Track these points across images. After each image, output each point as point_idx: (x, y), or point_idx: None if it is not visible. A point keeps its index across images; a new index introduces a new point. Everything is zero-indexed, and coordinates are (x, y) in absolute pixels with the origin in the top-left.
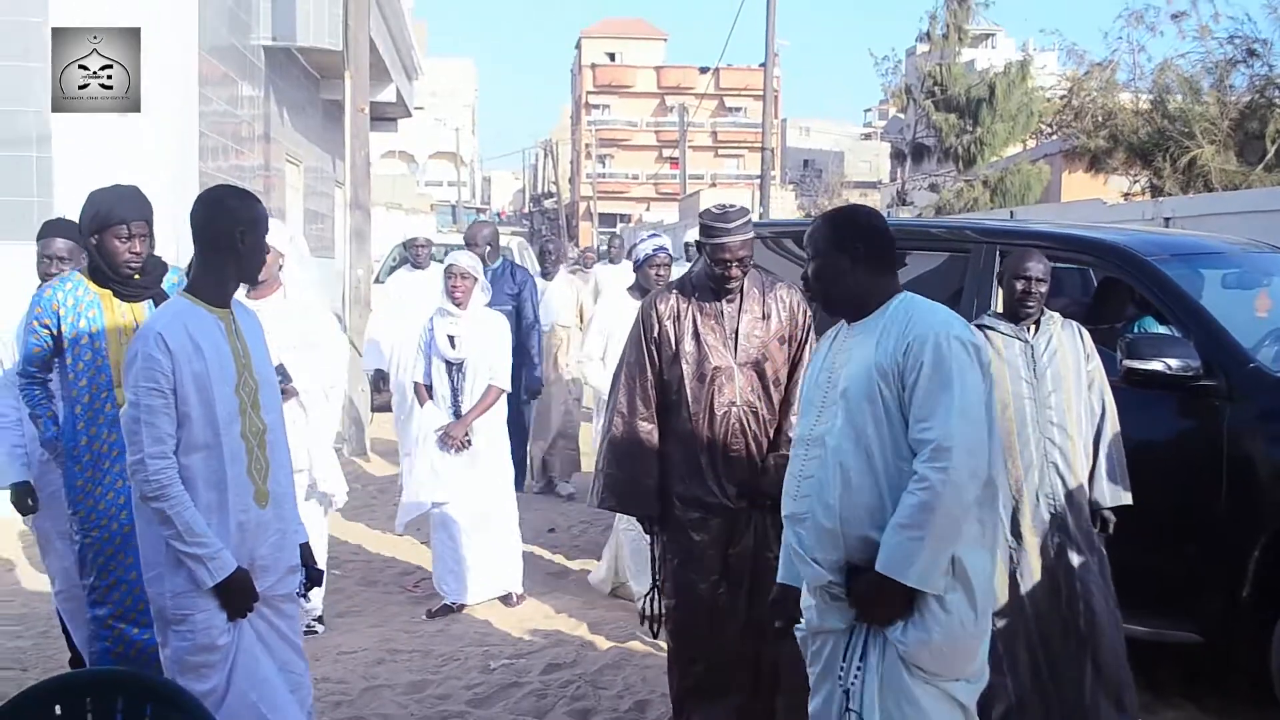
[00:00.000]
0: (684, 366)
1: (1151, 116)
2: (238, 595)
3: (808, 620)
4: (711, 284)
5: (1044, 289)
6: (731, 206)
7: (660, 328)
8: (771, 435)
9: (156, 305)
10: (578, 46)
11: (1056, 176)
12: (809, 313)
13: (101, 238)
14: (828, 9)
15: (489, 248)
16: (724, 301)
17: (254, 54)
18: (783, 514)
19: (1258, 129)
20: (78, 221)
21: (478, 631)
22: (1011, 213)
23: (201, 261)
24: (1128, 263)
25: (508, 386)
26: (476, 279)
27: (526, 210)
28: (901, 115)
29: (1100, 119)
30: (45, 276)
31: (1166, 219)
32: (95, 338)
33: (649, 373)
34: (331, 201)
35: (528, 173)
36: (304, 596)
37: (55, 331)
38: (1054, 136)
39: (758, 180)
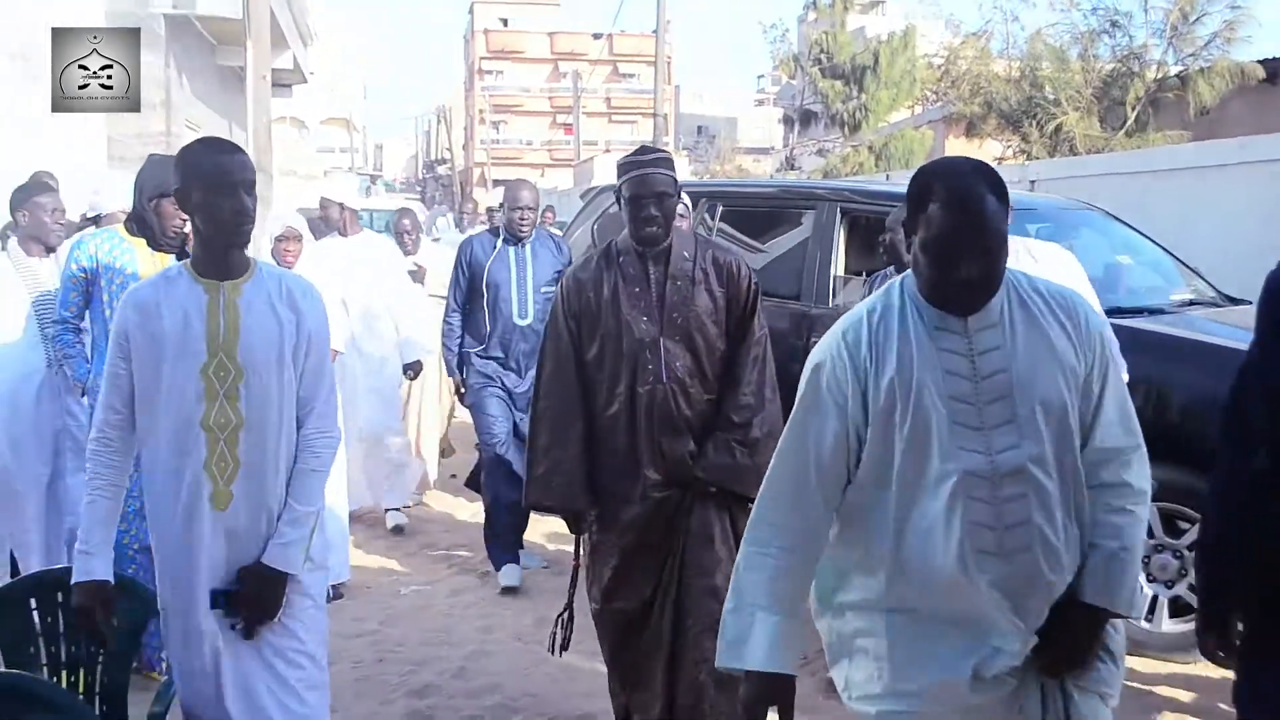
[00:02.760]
0: (605, 341)
1: (1021, 84)
2: (79, 611)
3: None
4: (636, 245)
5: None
6: (649, 145)
7: (579, 300)
8: (707, 415)
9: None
10: (470, 12)
11: (940, 142)
12: (754, 279)
13: (160, 203)
14: None
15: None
16: (649, 264)
17: (155, 21)
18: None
19: (1119, 96)
20: (137, 180)
21: (384, 565)
22: (887, 175)
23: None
24: None
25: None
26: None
27: (420, 177)
28: (793, 81)
29: (975, 87)
30: (53, 234)
31: (1033, 181)
32: (130, 279)
33: (570, 352)
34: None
35: (421, 139)
36: (223, 610)
37: (91, 277)
38: (936, 104)
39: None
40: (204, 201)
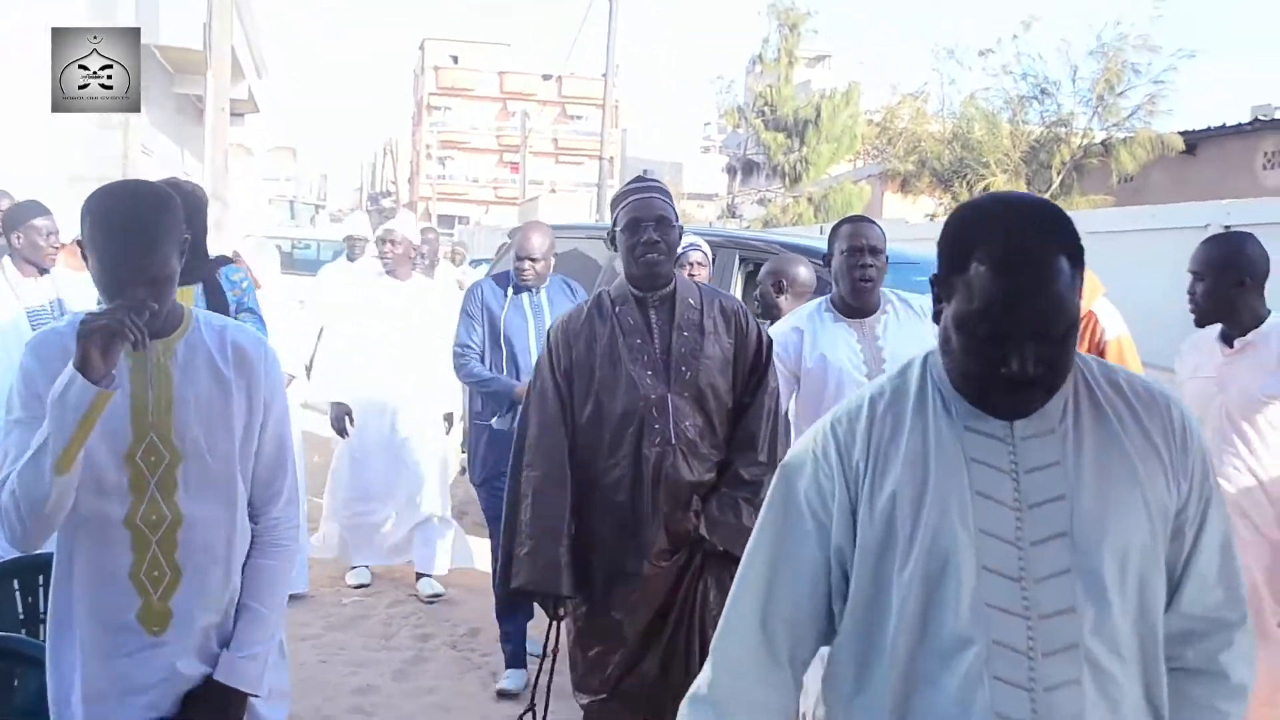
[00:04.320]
0: (602, 400)
1: (953, 145)
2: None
3: None
4: (635, 289)
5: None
6: (646, 176)
7: (569, 356)
8: (716, 475)
9: (207, 292)
10: (421, 48)
11: (879, 196)
12: (764, 333)
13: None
14: (672, 23)
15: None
16: (651, 312)
17: None
18: None
19: (1046, 161)
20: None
21: (330, 575)
22: (821, 228)
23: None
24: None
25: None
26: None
27: (365, 209)
28: (739, 130)
29: (911, 146)
30: (47, 257)
31: None
32: None
33: (558, 414)
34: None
35: (366, 171)
36: None
37: None
38: (875, 160)
39: (596, 187)
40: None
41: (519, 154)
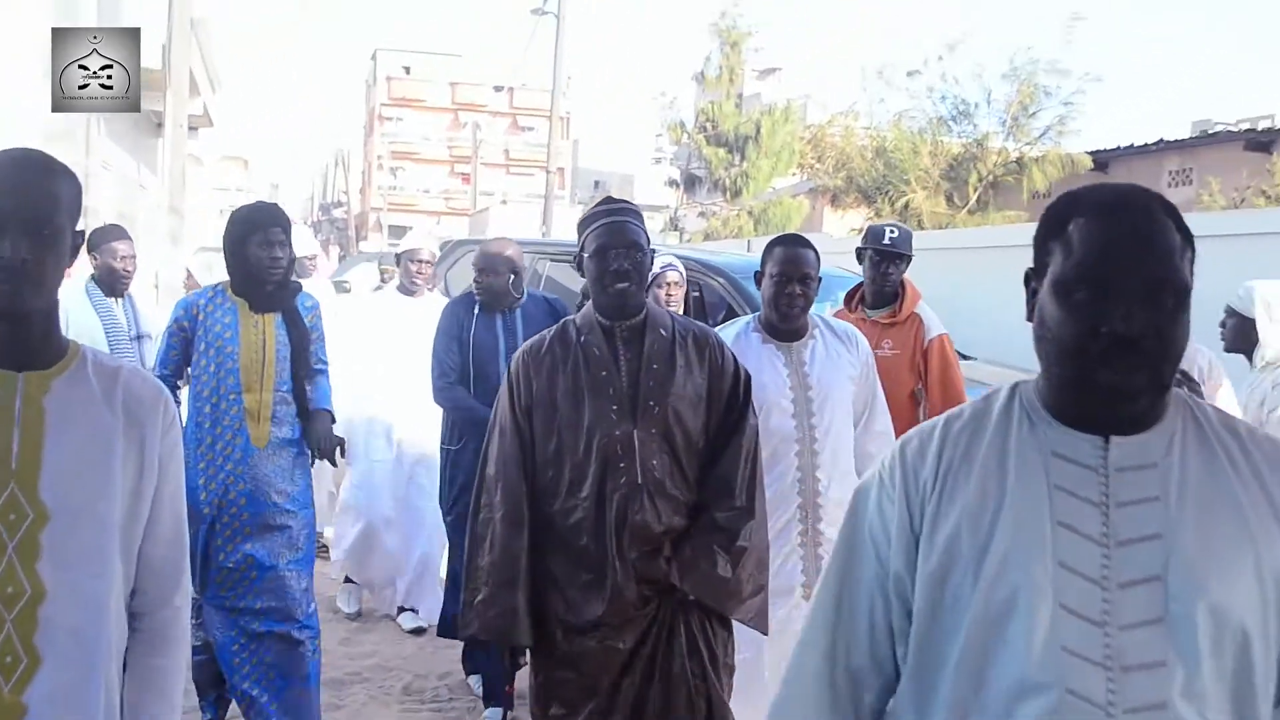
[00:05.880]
0: (564, 436)
1: (876, 163)
2: None
3: None
4: (602, 318)
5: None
6: (614, 197)
7: (530, 390)
8: (685, 519)
9: (288, 322)
10: (373, 58)
11: (819, 210)
12: (742, 368)
13: (244, 246)
14: (623, 36)
15: (513, 276)
16: (619, 343)
17: None
18: None
19: (964, 177)
20: (223, 239)
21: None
22: (749, 243)
23: None
24: (725, 278)
25: None
26: None
27: (316, 219)
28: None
29: (839, 162)
30: (121, 279)
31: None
32: (227, 342)
33: (516, 451)
34: (135, 206)
35: (318, 181)
36: None
37: (190, 335)
38: (807, 176)
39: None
40: None
41: (470, 165)
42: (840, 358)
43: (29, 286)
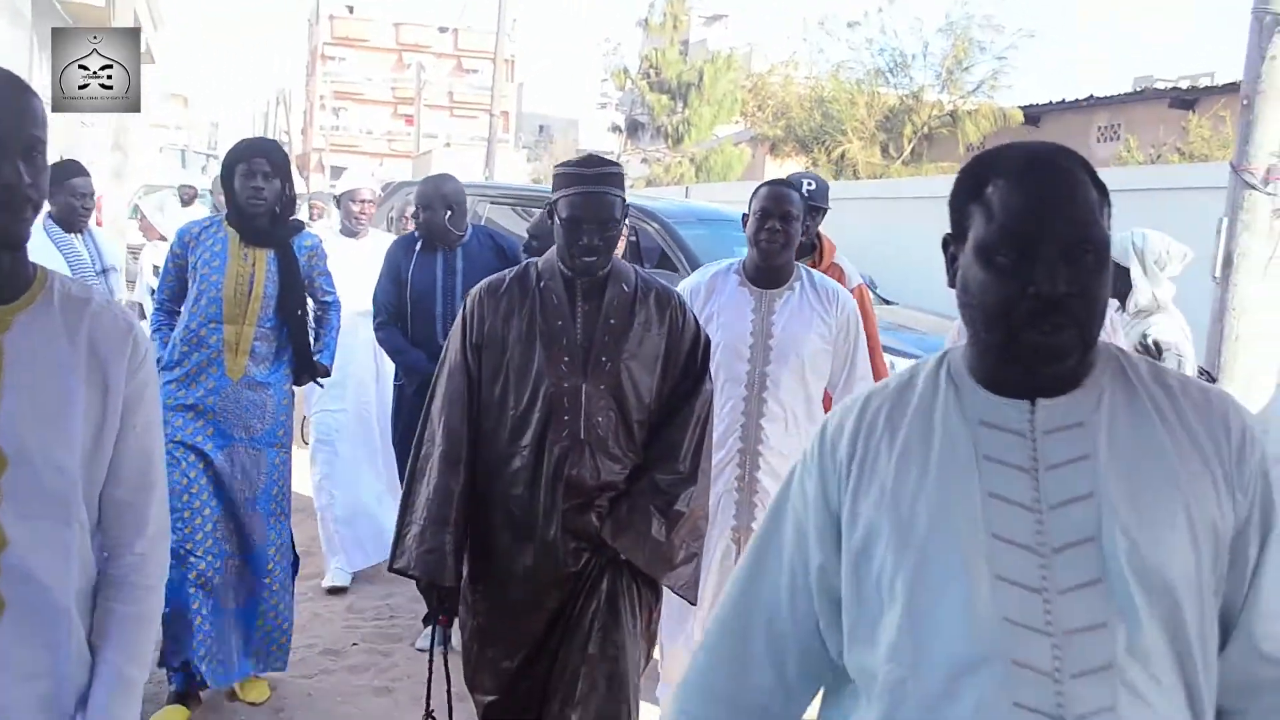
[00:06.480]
0: (510, 380)
1: (813, 113)
2: None
3: None
4: (564, 269)
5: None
6: (597, 154)
7: (482, 329)
8: (622, 485)
9: (280, 259)
10: None
11: (761, 159)
12: (703, 331)
13: (231, 177)
14: None
15: (449, 211)
16: (578, 295)
17: (22, 1)
18: None
19: (899, 129)
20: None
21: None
22: (686, 189)
23: None
24: (660, 224)
25: None
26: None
27: None
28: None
29: (779, 111)
30: (80, 216)
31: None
32: (214, 270)
33: (463, 390)
34: (79, 142)
35: (259, 120)
36: None
37: (184, 263)
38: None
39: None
40: None
41: (414, 107)
42: (812, 314)
43: (31, 212)
